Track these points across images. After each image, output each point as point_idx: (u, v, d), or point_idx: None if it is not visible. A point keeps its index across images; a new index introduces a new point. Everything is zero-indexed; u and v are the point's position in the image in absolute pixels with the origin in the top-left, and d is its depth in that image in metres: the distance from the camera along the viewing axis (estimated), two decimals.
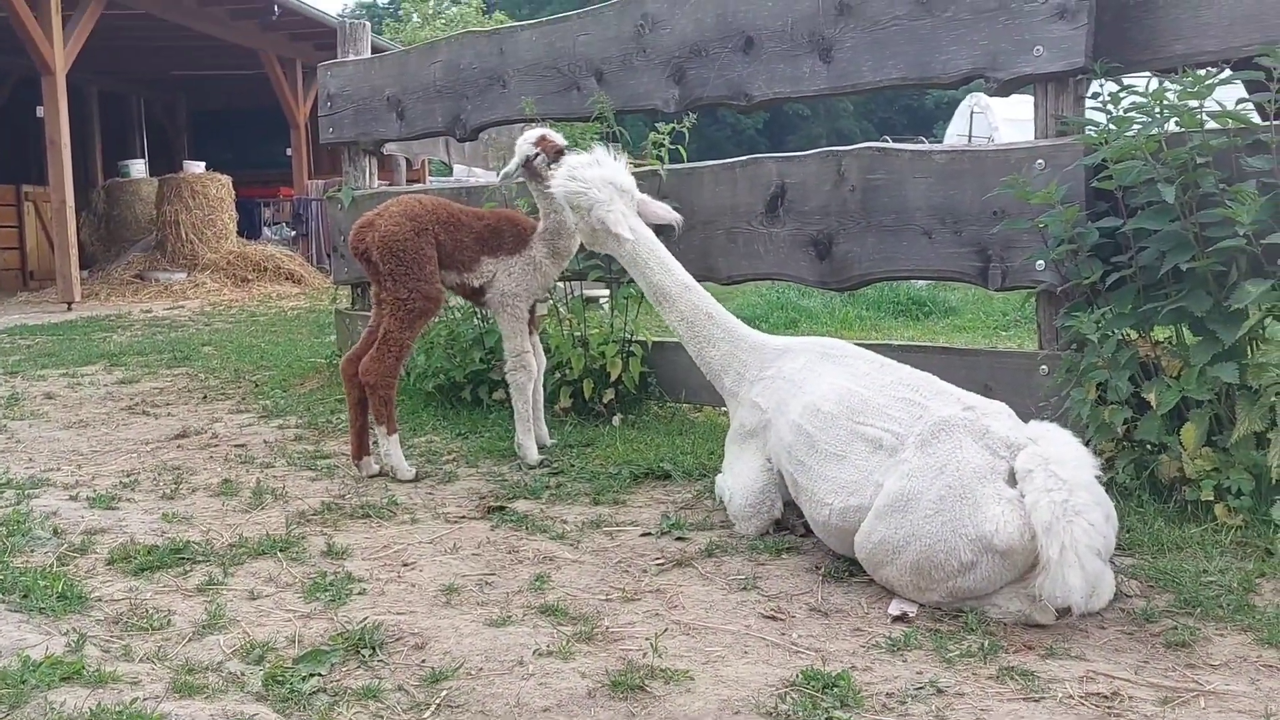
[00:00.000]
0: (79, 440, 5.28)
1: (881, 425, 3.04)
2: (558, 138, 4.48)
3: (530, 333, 4.66)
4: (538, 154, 4.41)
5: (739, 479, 3.53)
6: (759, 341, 3.68)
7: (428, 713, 2.35)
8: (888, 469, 2.95)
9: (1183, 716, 2.28)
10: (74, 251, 12.41)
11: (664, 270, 3.79)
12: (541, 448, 4.65)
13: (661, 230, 3.96)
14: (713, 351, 3.73)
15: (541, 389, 4.77)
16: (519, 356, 4.55)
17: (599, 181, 3.80)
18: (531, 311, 4.67)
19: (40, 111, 12.61)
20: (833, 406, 3.19)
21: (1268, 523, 3.17)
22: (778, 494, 3.48)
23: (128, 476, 4.46)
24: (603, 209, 3.78)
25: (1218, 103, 3.49)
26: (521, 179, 4.55)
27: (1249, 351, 3.42)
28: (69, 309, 12.15)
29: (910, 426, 2.97)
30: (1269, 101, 3.29)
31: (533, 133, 4.50)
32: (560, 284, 5.51)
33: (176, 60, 19.48)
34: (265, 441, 5.11)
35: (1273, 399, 3.18)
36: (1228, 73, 3.52)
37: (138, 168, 17.59)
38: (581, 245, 4.49)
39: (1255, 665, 2.49)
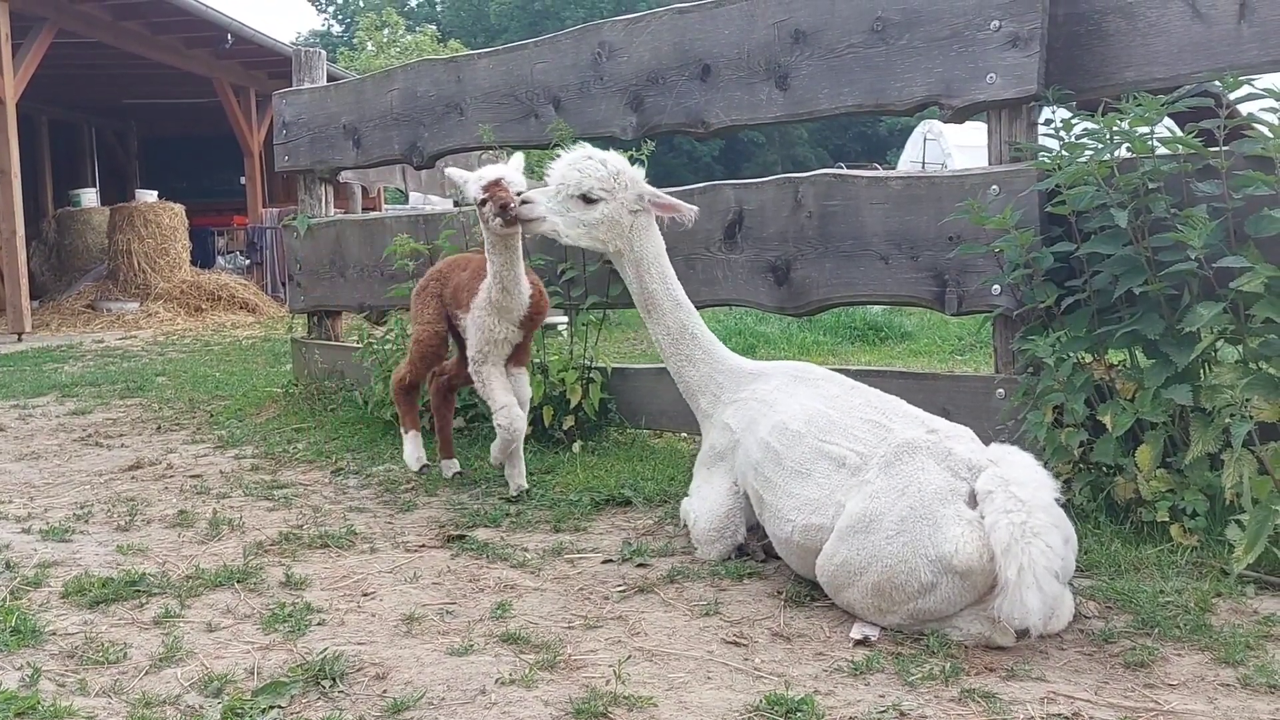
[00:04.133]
0: (31, 472, 5.20)
1: (846, 445, 3.06)
2: (512, 185, 3.91)
3: (518, 366, 4.49)
4: (484, 200, 3.93)
5: (705, 502, 3.54)
6: (735, 365, 3.69)
7: None
8: (850, 489, 2.96)
9: None
10: (24, 281, 12.25)
11: (662, 281, 3.73)
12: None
13: None
14: (691, 371, 3.72)
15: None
16: (499, 411, 4.31)
17: (626, 166, 3.69)
18: (522, 348, 4.45)
19: None
20: (800, 425, 3.21)
21: (1222, 543, 3.21)
22: (742, 519, 3.48)
23: (81, 508, 4.39)
24: (641, 185, 3.67)
25: (1168, 128, 3.55)
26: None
27: (1202, 374, 3.47)
28: (19, 339, 11.98)
29: (874, 447, 2.99)
30: (1218, 128, 3.36)
31: (490, 172, 4.01)
32: None
33: (128, 88, 19.36)
34: (221, 472, 5.06)
35: (1226, 421, 3.22)
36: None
37: (89, 196, 17.45)
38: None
39: (1212, 684, 2.52)
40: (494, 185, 3.92)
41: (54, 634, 2.98)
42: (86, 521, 4.20)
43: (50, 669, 2.74)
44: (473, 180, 4.01)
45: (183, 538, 3.95)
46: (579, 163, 3.64)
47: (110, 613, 3.16)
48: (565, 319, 5.67)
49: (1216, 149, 3.40)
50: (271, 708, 2.47)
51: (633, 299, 3.85)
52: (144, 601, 3.24)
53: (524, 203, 3.75)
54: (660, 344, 3.80)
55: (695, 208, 3.78)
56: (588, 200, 3.63)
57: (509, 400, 4.32)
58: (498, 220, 3.89)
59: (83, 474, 5.13)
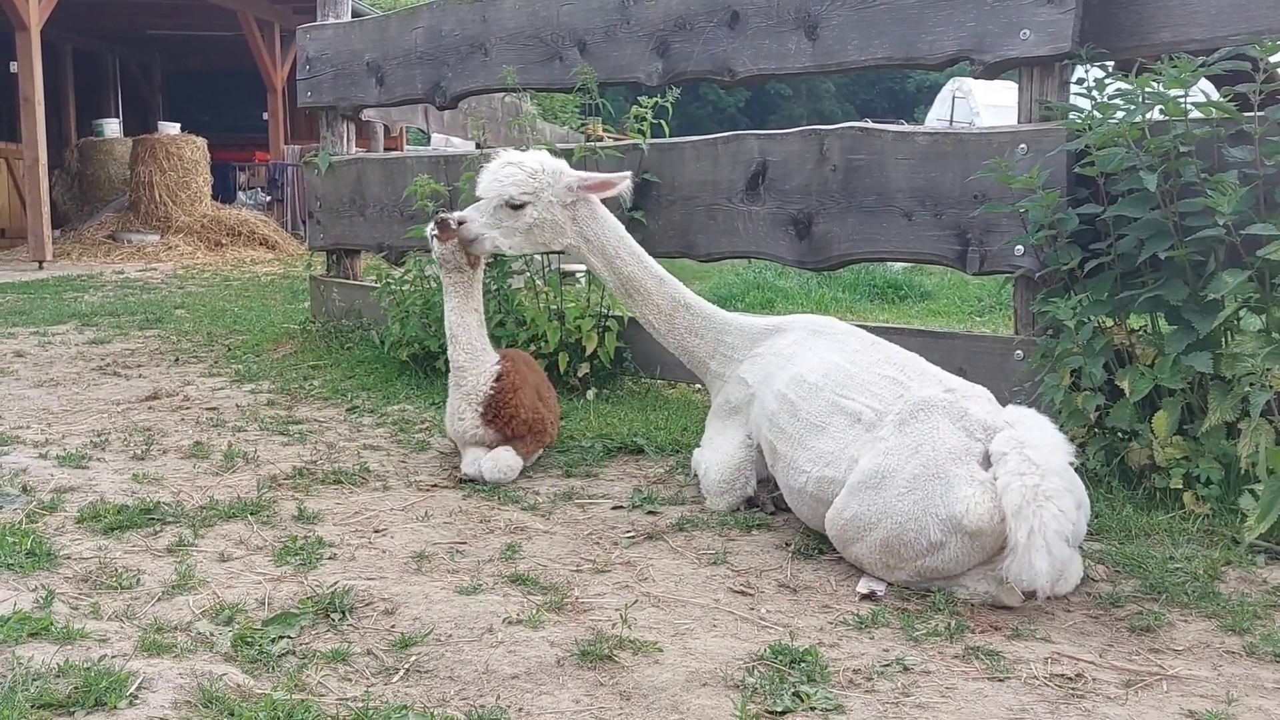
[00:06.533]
0: (49, 399, 5.23)
1: (863, 400, 3.05)
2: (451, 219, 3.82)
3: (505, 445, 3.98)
4: (433, 234, 3.83)
5: (717, 453, 3.54)
6: (744, 323, 3.68)
7: (396, 677, 2.35)
8: (864, 444, 2.95)
9: (1145, 699, 2.30)
10: (46, 210, 12.25)
11: (637, 261, 3.70)
12: None
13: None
14: (695, 341, 3.71)
15: None
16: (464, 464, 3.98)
17: (546, 162, 3.66)
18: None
19: (14, 68, 12.43)
20: (818, 378, 3.20)
21: (1235, 512, 3.20)
22: (753, 471, 3.49)
23: (98, 436, 4.42)
24: (568, 176, 3.65)
25: (1203, 92, 3.49)
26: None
27: (1223, 342, 3.44)
28: (40, 268, 12.03)
29: (890, 404, 2.98)
30: (1253, 92, 3.30)
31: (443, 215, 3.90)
32: (538, 258, 5.48)
33: (153, 19, 19.23)
34: (237, 405, 5.08)
35: (1245, 389, 3.20)
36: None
37: (112, 127, 17.39)
38: None
39: (1218, 651, 2.52)
40: (439, 223, 3.84)
41: (68, 558, 3.01)
42: (103, 449, 4.23)
43: (64, 592, 2.76)
44: (429, 227, 3.88)
45: (198, 469, 3.98)
46: (497, 171, 3.66)
47: (124, 539, 3.19)
48: (583, 267, 5.65)
49: (1251, 114, 3.35)
50: (281, 638, 2.50)
51: (609, 288, 3.77)
52: (158, 530, 3.27)
53: (461, 223, 3.74)
54: (652, 324, 3.76)
55: (627, 174, 3.80)
56: (514, 207, 3.66)
57: (474, 454, 3.94)
58: (434, 230, 3.81)
59: (100, 402, 5.16)
